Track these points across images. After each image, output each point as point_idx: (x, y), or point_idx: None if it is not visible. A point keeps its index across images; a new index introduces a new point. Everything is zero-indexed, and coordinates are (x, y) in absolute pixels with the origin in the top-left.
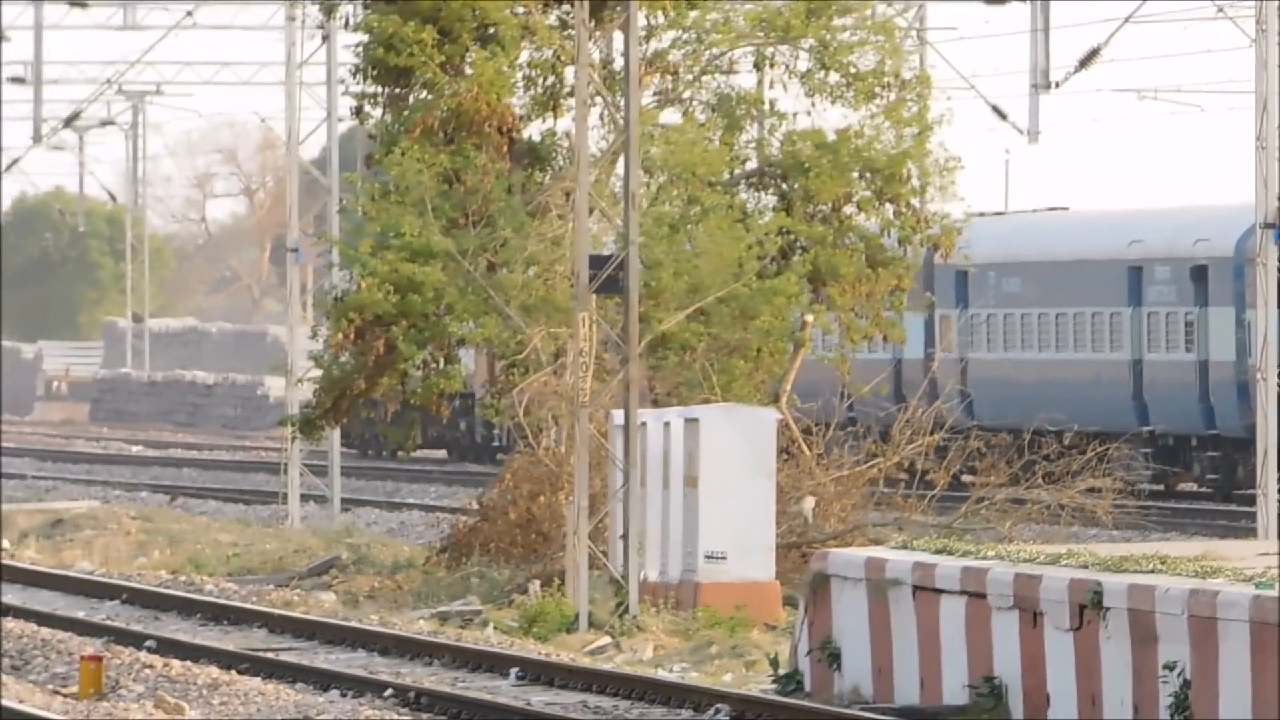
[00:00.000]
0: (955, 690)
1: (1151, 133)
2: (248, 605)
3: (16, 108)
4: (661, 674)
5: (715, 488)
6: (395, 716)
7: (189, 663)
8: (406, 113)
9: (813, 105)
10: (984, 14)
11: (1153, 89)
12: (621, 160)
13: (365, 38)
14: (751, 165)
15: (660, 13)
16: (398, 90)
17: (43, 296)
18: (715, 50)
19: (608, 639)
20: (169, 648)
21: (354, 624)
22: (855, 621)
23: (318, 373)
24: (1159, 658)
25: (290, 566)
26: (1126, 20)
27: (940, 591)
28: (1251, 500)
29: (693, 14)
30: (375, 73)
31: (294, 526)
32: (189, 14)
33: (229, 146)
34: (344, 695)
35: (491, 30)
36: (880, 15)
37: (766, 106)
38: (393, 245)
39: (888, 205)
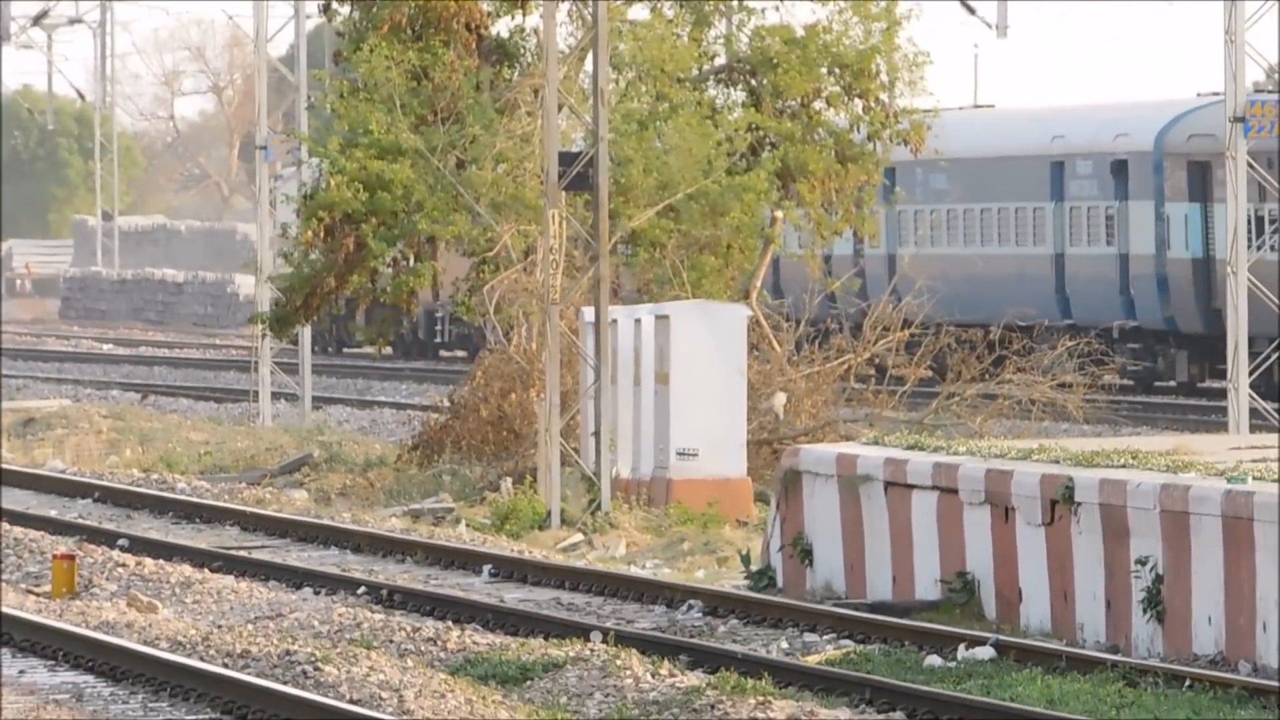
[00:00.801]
0: (927, 585)
1: (1118, 27)
2: (220, 503)
3: None
4: (634, 570)
5: (686, 384)
6: (368, 614)
7: (162, 561)
8: (375, 9)
9: (781, 0)
10: None
11: None
12: (590, 57)
13: None
14: (720, 61)
15: None
16: None
17: (12, 195)
18: None
19: (580, 536)
20: (141, 546)
21: (326, 522)
22: (827, 517)
23: (288, 270)
24: (1131, 552)
25: (262, 465)
26: None
27: (912, 487)
28: (1205, 394)
29: None
30: None
31: (265, 425)
32: None
33: (197, 44)
34: (317, 593)
35: None
36: None
37: (735, 2)
38: (361, 143)
39: (857, 101)
